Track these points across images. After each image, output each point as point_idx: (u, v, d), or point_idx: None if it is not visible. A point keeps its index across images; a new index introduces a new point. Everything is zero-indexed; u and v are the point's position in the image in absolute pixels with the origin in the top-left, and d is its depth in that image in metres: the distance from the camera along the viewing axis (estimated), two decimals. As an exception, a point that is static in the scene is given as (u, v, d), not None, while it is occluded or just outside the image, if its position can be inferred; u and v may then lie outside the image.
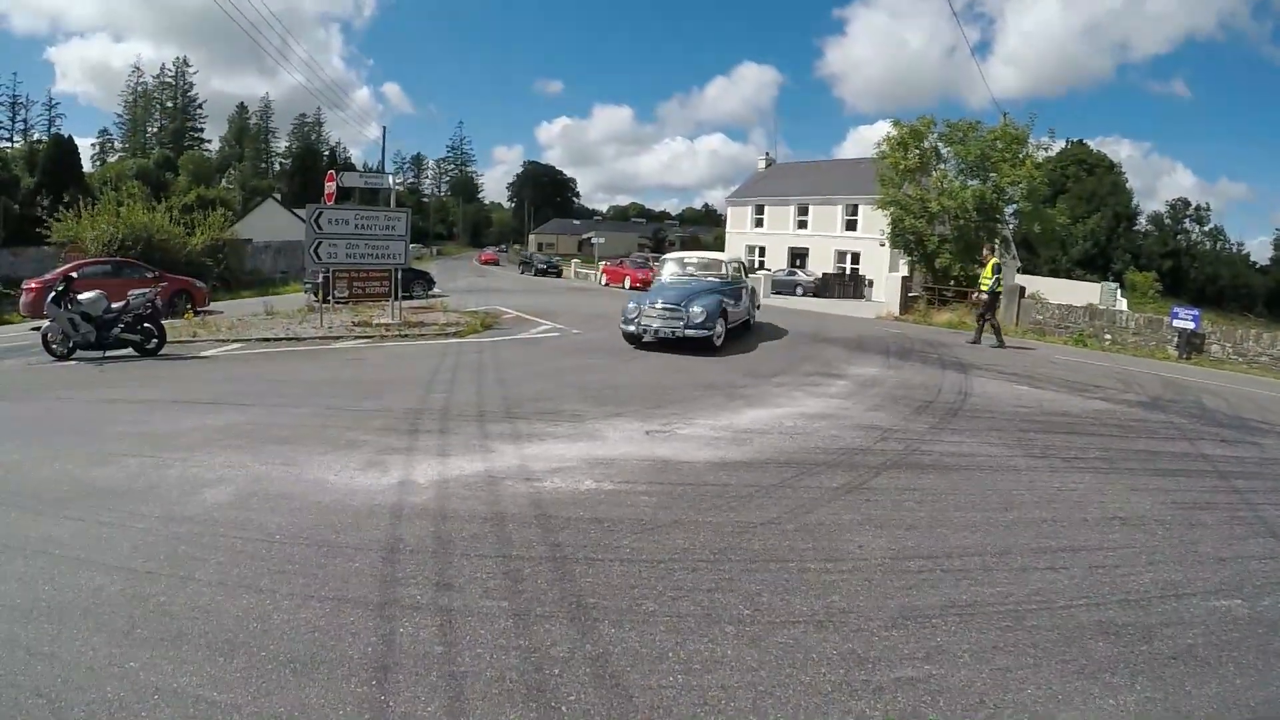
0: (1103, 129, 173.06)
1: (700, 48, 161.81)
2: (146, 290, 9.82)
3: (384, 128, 67.59)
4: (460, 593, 2.99)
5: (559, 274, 43.98)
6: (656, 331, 10.27)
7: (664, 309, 10.31)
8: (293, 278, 31.07)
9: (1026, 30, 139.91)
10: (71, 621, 2.72)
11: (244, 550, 3.37)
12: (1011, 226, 21.54)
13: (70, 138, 53.95)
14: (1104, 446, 6.03)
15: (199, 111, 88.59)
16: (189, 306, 15.57)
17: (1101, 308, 18.15)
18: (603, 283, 33.21)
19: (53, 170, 49.11)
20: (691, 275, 11.87)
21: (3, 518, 3.77)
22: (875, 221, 23.43)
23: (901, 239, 19.87)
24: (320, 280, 14.01)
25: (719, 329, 10.39)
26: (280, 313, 14.35)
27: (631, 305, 10.71)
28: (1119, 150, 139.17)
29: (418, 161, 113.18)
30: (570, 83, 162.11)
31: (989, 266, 13.05)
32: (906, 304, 19.47)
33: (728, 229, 44.74)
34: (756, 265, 37.35)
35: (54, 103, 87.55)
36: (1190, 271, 62.15)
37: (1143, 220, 66.09)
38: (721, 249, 41.72)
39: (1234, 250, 69.96)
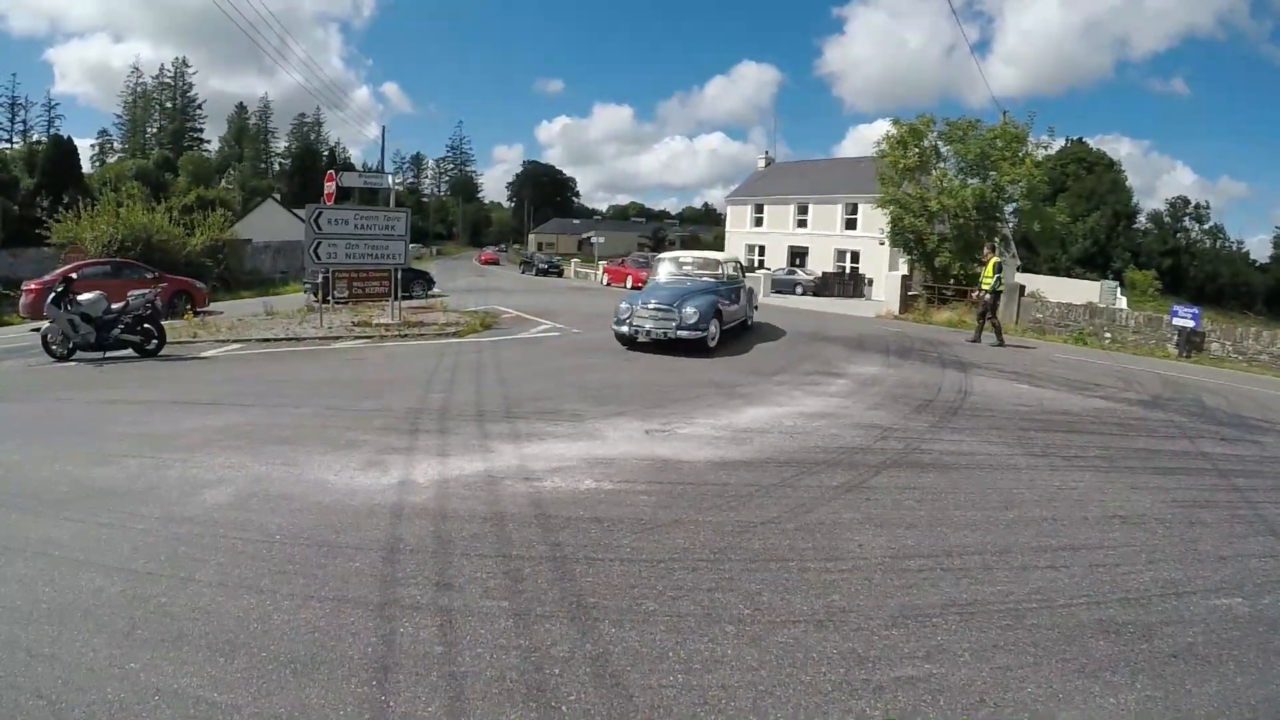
0: (1102, 127, 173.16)
1: (700, 47, 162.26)
2: (146, 291, 9.81)
3: (383, 127, 67.33)
4: (460, 593, 2.99)
5: (560, 274, 44.01)
6: (649, 332, 10.15)
7: (656, 309, 10.19)
8: (292, 278, 31.01)
9: (1026, 28, 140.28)
10: (72, 623, 2.72)
11: (244, 551, 3.37)
12: (1011, 225, 21.51)
13: (70, 138, 54.26)
14: (1104, 445, 6.03)
15: (198, 112, 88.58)
16: (189, 307, 15.57)
17: (1101, 306, 18.11)
18: (604, 282, 33.19)
19: (52, 171, 49.19)
20: (686, 275, 11.75)
21: (3, 519, 3.78)
22: (875, 220, 23.43)
23: (901, 238, 19.87)
24: (320, 280, 14.00)
25: (713, 330, 10.29)
26: (280, 313, 14.35)
27: (624, 305, 10.57)
28: (1118, 148, 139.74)
29: (417, 161, 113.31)
30: (570, 82, 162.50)
31: (990, 265, 13.03)
32: (906, 303, 19.45)
33: (727, 228, 44.70)
34: (756, 264, 37.38)
35: (53, 103, 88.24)
36: (1190, 270, 62.24)
37: (1142, 218, 66.30)
38: (721, 248, 41.79)
39: (1234, 248, 70.20)
